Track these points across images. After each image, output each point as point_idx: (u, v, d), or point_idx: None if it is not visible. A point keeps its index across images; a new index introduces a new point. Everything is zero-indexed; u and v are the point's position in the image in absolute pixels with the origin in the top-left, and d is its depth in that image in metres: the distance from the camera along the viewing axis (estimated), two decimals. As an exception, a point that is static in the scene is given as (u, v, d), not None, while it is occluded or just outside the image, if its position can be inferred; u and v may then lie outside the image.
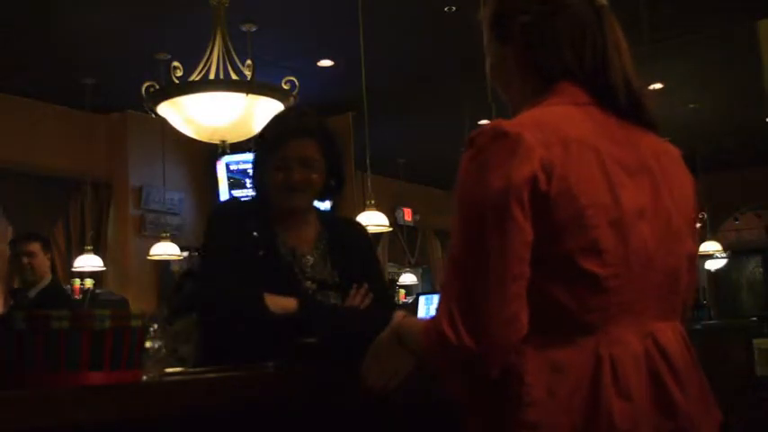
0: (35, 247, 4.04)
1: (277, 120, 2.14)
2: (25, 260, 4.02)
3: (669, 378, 1.16)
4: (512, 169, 1.10)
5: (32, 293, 4.00)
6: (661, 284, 1.20)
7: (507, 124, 1.15)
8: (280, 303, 1.84)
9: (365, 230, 2.28)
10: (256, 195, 2.11)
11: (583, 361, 1.12)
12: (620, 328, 1.14)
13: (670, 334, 1.21)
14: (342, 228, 2.14)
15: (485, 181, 1.12)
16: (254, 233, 1.97)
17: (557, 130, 1.15)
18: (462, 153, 1.18)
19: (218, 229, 2.02)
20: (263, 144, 2.09)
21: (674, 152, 1.31)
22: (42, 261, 4.03)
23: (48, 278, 4.08)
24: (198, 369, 1.72)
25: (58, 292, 4.20)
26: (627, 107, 1.23)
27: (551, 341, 1.13)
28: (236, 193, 8.05)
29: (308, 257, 2.01)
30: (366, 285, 1.96)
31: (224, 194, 8.04)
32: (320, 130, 2.02)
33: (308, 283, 1.97)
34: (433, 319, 1.15)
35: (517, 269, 1.10)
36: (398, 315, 1.43)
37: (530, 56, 1.27)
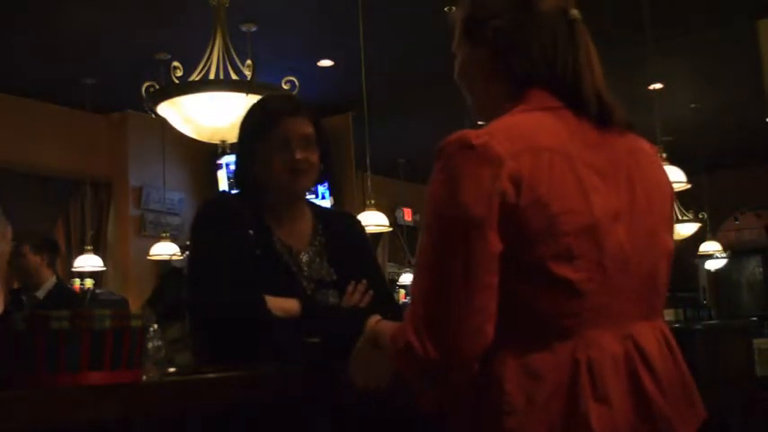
0: (23, 248, 4.10)
1: (261, 105, 2.07)
2: (14, 261, 4.12)
3: (648, 380, 1.16)
4: (479, 182, 1.11)
5: (41, 294, 4.02)
6: (639, 285, 1.21)
7: (474, 135, 1.15)
8: (281, 305, 1.77)
9: (360, 224, 2.22)
10: (244, 190, 2.01)
11: (560, 366, 1.12)
12: (597, 331, 1.14)
13: (650, 334, 1.21)
14: (337, 222, 2.08)
15: (453, 193, 1.12)
16: (250, 231, 1.88)
17: (527, 138, 1.15)
18: (433, 162, 1.18)
19: (209, 227, 1.89)
20: (252, 132, 2.00)
21: (650, 149, 1.31)
22: (31, 262, 4.04)
23: (52, 279, 4.09)
24: (198, 369, 1.71)
25: (65, 293, 4.23)
26: (597, 116, 1.24)
27: (529, 347, 1.13)
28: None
29: (304, 255, 1.94)
30: (365, 282, 1.90)
31: (224, 194, 8.05)
32: (308, 107, 1.99)
33: (306, 283, 1.90)
34: (400, 326, 1.16)
35: (483, 281, 1.11)
36: (372, 320, 1.43)
37: (500, 61, 1.27)
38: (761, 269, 13.67)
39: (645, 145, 1.31)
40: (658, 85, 6.83)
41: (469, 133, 1.16)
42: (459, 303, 1.10)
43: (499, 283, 1.12)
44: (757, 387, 4.73)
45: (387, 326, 1.33)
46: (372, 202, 5.81)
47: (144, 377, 1.25)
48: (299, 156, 1.91)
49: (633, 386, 1.15)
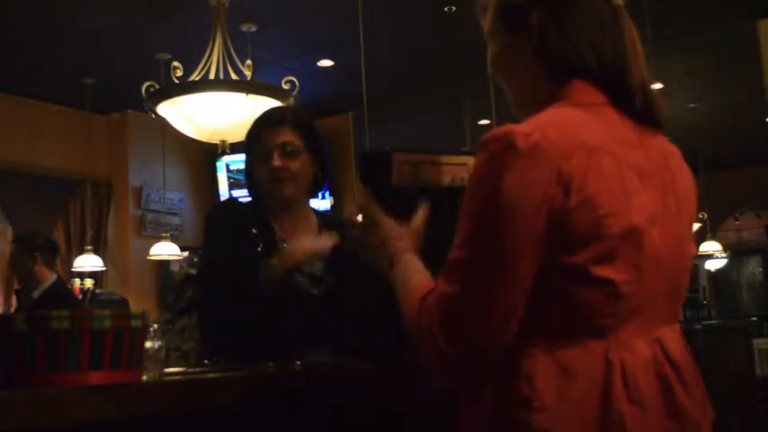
0: (17, 248, 4.13)
1: (256, 119, 2.18)
2: (10, 261, 4.21)
3: (676, 383, 1.15)
4: (525, 182, 1.06)
5: (36, 294, 4.02)
6: (668, 289, 1.19)
7: (522, 132, 1.08)
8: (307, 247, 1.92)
9: None
10: (251, 196, 2.17)
11: (593, 366, 1.10)
12: (629, 333, 1.13)
13: (673, 337, 1.20)
14: (340, 226, 2.12)
15: (496, 191, 1.07)
16: (254, 230, 2.00)
17: (576, 136, 1.11)
18: (475, 156, 1.13)
19: (217, 229, 2.04)
20: (245, 144, 2.13)
21: (677, 152, 1.28)
22: (25, 262, 4.05)
23: (51, 279, 4.08)
24: (198, 369, 1.72)
25: (60, 293, 4.22)
26: (642, 109, 1.20)
27: (562, 345, 1.11)
28: (236, 193, 8.05)
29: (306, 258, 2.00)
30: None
31: (224, 194, 8.04)
32: (296, 118, 2.06)
33: (302, 279, 1.98)
34: (426, 307, 1.13)
35: (521, 282, 1.08)
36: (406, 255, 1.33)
37: (544, 50, 1.20)
38: (761, 269, 13.67)
39: (673, 147, 1.27)
40: (658, 85, 6.83)
41: (517, 131, 1.09)
42: (487, 304, 1.08)
43: (536, 279, 1.10)
44: (757, 387, 4.74)
45: (413, 272, 1.27)
46: (372, 202, 5.81)
47: (144, 377, 1.25)
48: (276, 164, 2.00)
49: (664, 389, 1.14)
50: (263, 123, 2.08)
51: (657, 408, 1.12)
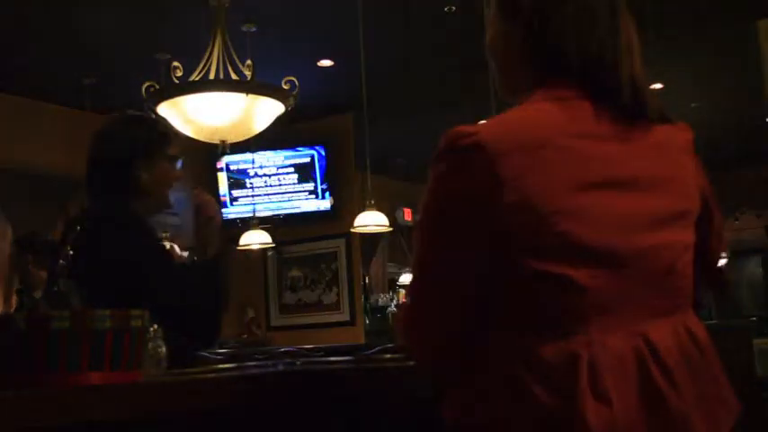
0: (12, 249, 4.14)
1: (161, 125, 2.47)
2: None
3: (660, 377, 1.12)
4: (460, 184, 1.11)
5: (38, 294, 4.03)
6: (656, 283, 1.16)
7: (466, 132, 1.13)
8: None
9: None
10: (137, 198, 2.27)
11: (559, 363, 1.09)
12: (599, 329, 1.11)
13: (667, 331, 1.16)
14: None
15: (436, 193, 1.15)
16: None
17: (525, 133, 1.12)
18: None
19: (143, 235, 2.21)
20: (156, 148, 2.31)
21: (680, 140, 1.26)
22: (18, 262, 4.07)
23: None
24: (198, 369, 1.72)
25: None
26: (630, 104, 1.18)
27: (529, 343, 1.11)
28: (236, 192, 8.05)
29: None
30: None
31: (224, 194, 8.05)
32: None
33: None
34: (397, 318, 1.24)
35: (456, 286, 1.14)
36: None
37: (531, 40, 1.22)
38: (761, 269, 13.66)
39: (676, 135, 1.25)
40: (658, 85, 6.83)
41: (460, 132, 1.13)
42: (432, 310, 1.16)
43: (498, 277, 1.12)
44: (757, 387, 4.74)
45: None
46: (372, 202, 5.81)
47: (144, 377, 1.25)
48: (178, 173, 2.41)
49: (643, 384, 1.10)
50: (171, 133, 2.35)
51: (632, 403, 1.09)
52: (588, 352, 1.09)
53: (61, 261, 1.72)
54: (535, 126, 1.14)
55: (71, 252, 1.75)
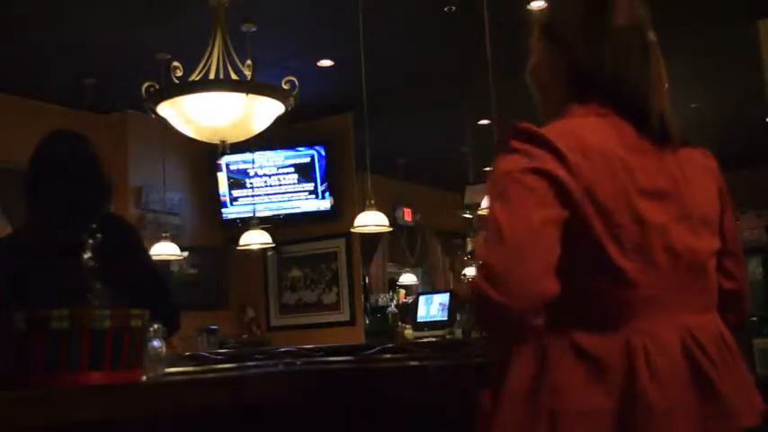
0: None
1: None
2: None
3: (708, 366, 1.25)
4: (542, 161, 1.22)
5: None
6: (692, 281, 1.30)
7: (534, 128, 1.26)
8: None
9: None
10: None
11: (615, 350, 1.21)
12: (649, 321, 1.24)
13: (706, 326, 1.30)
14: None
15: (517, 166, 1.22)
16: None
17: (581, 137, 1.26)
18: (496, 151, 1.31)
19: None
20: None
21: (701, 160, 1.41)
22: None
23: None
24: (198, 369, 1.72)
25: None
26: (656, 131, 1.33)
27: (584, 333, 1.23)
28: (236, 192, 8.05)
29: None
30: None
31: (224, 194, 8.05)
32: None
33: None
34: (476, 277, 1.24)
35: (545, 239, 1.19)
36: None
37: (573, 66, 1.36)
38: (761, 269, 13.67)
39: (696, 156, 1.40)
40: (658, 86, 6.83)
41: (528, 126, 1.26)
42: (514, 257, 1.18)
43: (559, 271, 1.19)
44: (757, 387, 4.74)
45: None
46: (372, 202, 5.81)
47: (144, 377, 1.25)
48: None
49: (691, 368, 1.23)
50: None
51: (685, 388, 1.22)
52: (641, 340, 1.22)
53: (93, 264, 1.81)
54: (588, 133, 1.28)
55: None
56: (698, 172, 1.38)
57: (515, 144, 1.25)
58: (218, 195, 8.06)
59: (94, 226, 2.03)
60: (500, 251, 1.19)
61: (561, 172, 1.21)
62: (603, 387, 1.19)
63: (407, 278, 11.05)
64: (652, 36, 1.39)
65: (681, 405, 1.20)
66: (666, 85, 1.39)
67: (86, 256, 1.84)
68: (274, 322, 8.40)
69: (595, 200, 1.22)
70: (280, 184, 7.92)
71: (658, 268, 1.25)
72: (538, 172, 1.21)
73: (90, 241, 1.98)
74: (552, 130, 1.26)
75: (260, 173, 7.96)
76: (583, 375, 1.20)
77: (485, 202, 5.47)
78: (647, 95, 1.34)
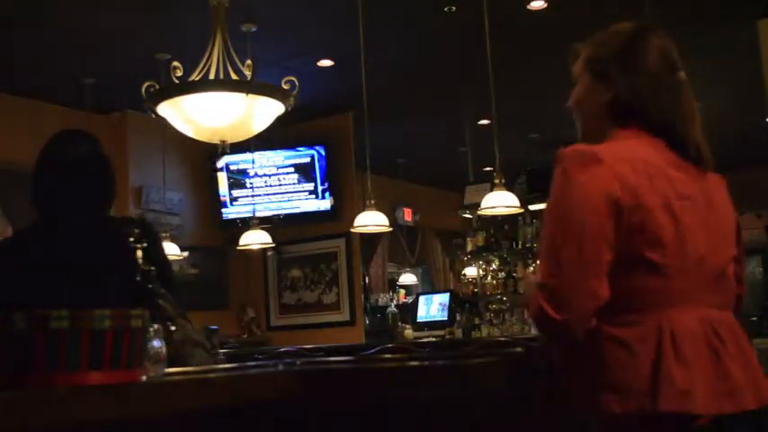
0: None
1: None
2: None
3: (724, 354, 1.45)
4: (592, 178, 1.42)
5: None
6: (713, 280, 1.51)
7: (587, 146, 1.48)
8: None
9: None
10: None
11: (648, 335, 1.42)
12: (678, 311, 1.44)
13: (724, 321, 1.51)
14: None
15: (571, 186, 1.43)
16: None
17: (626, 152, 1.48)
18: (553, 169, 1.49)
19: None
20: None
21: (720, 182, 1.64)
22: None
23: None
24: (198, 369, 1.72)
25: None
26: (694, 159, 1.56)
27: (622, 320, 1.43)
28: (236, 192, 8.05)
29: None
30: None
31: (224, 194, 8.05)
32: None
33: None
34: (534, 294, 1.45)
35: (595, 253, 1.40)
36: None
37: (616, 97, 1.56)
38: (761, 269, 13.67)
39: (717, 179, 1.64)
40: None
41: (583, 146, 1.49)
42: (575, 274, 1.40)
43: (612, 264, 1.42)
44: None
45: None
46: (372, 202, 5.81)
47: (144, 377, 1.25)
48: None
49: (712, 354, 1.44)
50: None
51: (705, 369, 1.42)
52: (669, 326, 1.42)
53: (147, 267, 2.02)
54: (633, 148, 1.50)
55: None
56: (722, 191, 1.63)
57: (569, 161, 1.44)
58: (218, 195, 8.06)
59: (137, 231, 2.06)
60: (558, 272, 1.40)
61: (612, 183, 1.41)
62: (633, 367, 1.40)
63: (407, 278, 11.06)
64: (683, 75, 1.59)
65: (700, 384, 1.39)
66: (698, 117, 1.61)
67: (140, 260, 1.92)
68: (274, 322, 8.40)
69: (641, 203, 1.42)
70: (280, 184, 7.92)
71: (688, 266, 1.46)
72: (591, 185, 1.40)
73: (138, 245, 2.02)
74: (601, 147, 1.48)
75: (260, 173, 7.96)
76: (616, 356, 1.42)
77: (484, 202, 5.47)
78: (682, 126, 1.55)
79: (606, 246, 1.41)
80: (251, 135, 3.84)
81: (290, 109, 3.71)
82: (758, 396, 1.48)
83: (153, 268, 2.06)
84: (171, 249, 6.71)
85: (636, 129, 1.54)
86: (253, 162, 7.79)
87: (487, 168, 8.25)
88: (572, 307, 1.39)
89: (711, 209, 1.54)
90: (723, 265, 1.54)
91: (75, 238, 2.15)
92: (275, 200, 7.92)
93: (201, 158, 7.81)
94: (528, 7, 5.50)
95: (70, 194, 2.20)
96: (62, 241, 2.14)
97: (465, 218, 8.20)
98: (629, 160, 1.45)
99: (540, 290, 1.42)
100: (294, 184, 7.89)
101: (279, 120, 3.80)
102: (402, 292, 10.46)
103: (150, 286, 2.03)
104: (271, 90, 3.61)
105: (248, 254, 7.72)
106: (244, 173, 8.01)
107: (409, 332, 7.68)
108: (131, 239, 2.08)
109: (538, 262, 1.59)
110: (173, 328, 1.99)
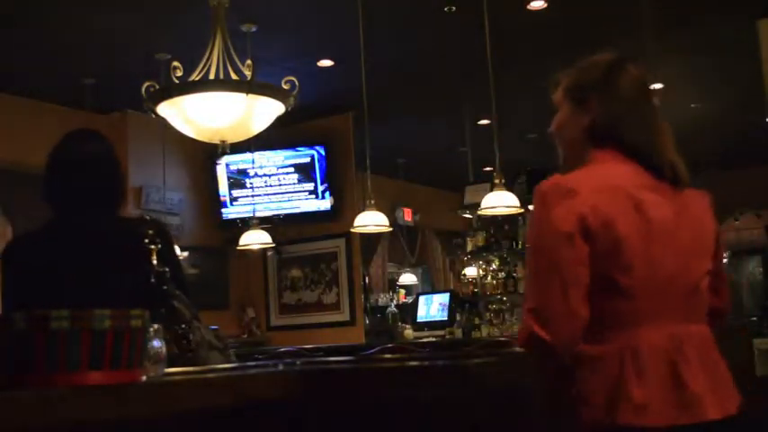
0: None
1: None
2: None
3: (684, 368, 1.52)
4: (566, 208, 1.52)
5: None
6: (684, 297, 1.59)
7: (564, 179, 1.58)
8: None
9: None
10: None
11: (613, 352, 1.52)
12: (645, 328, 1.53)
13: (692, 335, 1.58)
14: None
15: (549, 219, 1.53)
16: None
17: (600, 180, 1.58)
18: (533, 202, 1.60)
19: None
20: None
21: (699, 198, 1.70)
22: None
23: None
24: (198, 369, 1.72)
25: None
26: (670, 178, 1.62)
27: (594, 338, 1.53)
28: (236, 192, 8.05)
29: None
30: None
31: (224, 194, 8.05)
32: None
33: None
34: (524, 319, 1.55)
35: (573, 277, 1.50)
36: None
37: (597, 126, 1.65)
38: (761, 269, 13.65)
39: (696, 195, 1.70)
40: (658, 85, 6.83)
41: (561, 178, 1.59)
42: (558, 297, 1.50)
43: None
44: (757, 387, 4.74)
45: None
46: (372, 202, 5.81)
47: (144, 377, 1.25)
48: None
49: (672, 370, 1.51)
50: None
51: (663, 383, 1.50)
52: (635, 344, 1.52)
53: (161, 268, 2.04)
54: (606, 175, 1.60)
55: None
56: (699, 208, 1.69)
57: (546, 196, 1.55)
58: (218, 195, 8.06)
59: (151, 232, 2.06)
60: (544, 298, 1.52)
61: (584, 214, 1.50)
62: (598, 381, 1.50)
63: (407, 278, 11.06)
64: (656, 101, 1.70)
65: (656, 398, 1.49)
66: (671, 139, 1.68)
67: (154, 261, 1.92)
68: (274, 322, 8.40)
69: (612, 231, 1.51)
70: (280, 184, 7.92)
71: (657, 286, 1.54)
72: (566, 217, 1.51)
73: (152, 247, 2.02)
74: (578, 177, 1.59)
75: (260, 173, 7.96)
76: (584, 371, 1.52)
77: (484, 202, 5.47)
78: (657, 150, 1.63)
79: (584, 270, 1.51)
80: (251, 135, 3.84)
81: (290, 109, 3.71)
82: (721, 407, 1.55)
83: (167, 269, 2.05)
84: (171, 249, 6.71)
85: (613, 151, 1.63)
86: (253, 162, 7.79)
87: (487, 168, 8.25)
88: (560, 328, 1.50)
89: (685, 227, 1.61)
90: (695, 281, 1.61)
91: (91, 237, 2.14)
92: (275, 200, 7.92)
93: (201, 158, 7.81)
94: (528, 7, 5.50)
95: (85, 194, 2.19)
96: (78, 241, 2.13)
97: (465, 218, 8.20)
98: (604, 189, 1.55)
99: (529, 314, 1.52)
100: (294, 184, 7.89)
101: (279, 120, 3.80)
102: (402, 292, 10.46)
103: (165, 287, 2.03)
104: (271, 90, 3.61)
105: (248, 254, 7.72)
106: (244, 173, 8.02)
107: (409, 332, 7.68)
108: (146, 240, 2.08)
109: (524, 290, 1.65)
110: (188, 331, 1.99)
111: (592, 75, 1.69)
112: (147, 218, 2.33)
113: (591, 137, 1.66)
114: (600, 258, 1.52)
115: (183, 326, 1.98)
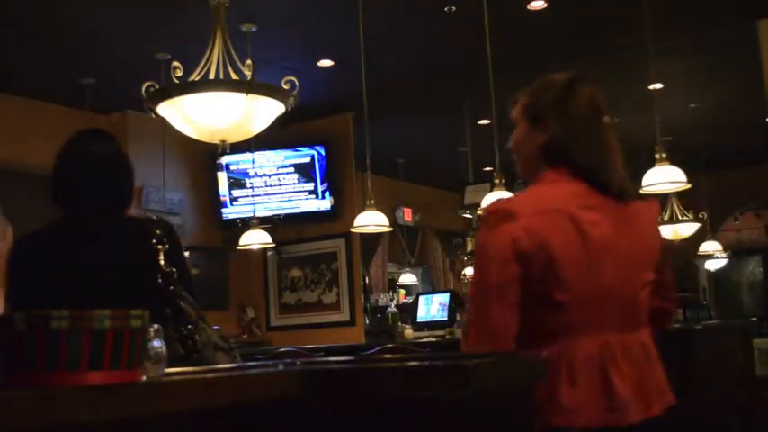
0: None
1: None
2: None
3: (614, 374, 1.65)
4: (502, 232, 1.64)
5: None
6: (622, 307, 1.70)
7: (505, 203, 1.72)
8: None
9: None
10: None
11: (552, 359, 1.62)
12: (578, 337, 1.66)
13: (627, 343, 1.70)
14: None
15: (486, 241, 1.68)
16: None
17: (539, 203, 1.69)
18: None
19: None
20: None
21: (646, 210, 1.79)
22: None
23: None
24: (198, 369, 1.72)
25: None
26: (616, 194, 1.71)
27: (534, 347, 1.63)
28: (236, 192, 8.05)
29: None
30: None
31: (224, 194, 8.05)
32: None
33: None
34: (469, 333, 1.70)
35: (508, 299, 1.64)
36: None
37: (548, 141, 1.75)
38: (761, 269, 13.66)
39: (643, 208, 1.79)
40: (658, 85, 6.83)
41: (501, 203, 1.72)
42: (490, 314, 1.65)
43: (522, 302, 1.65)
44: (757, 387, 4.74)
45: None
46: (372, 202, 5.81)
47: (144, 377, 1.25)
48: None
49: (602, 377, 1.64)
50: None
51: (593, 389, 1.63)
52: (570, 352, 1.64)
53: (169, 269, 2.05)
54: (548, 197, 1.71)
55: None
56: (644, 220, 1.78)
57: (487, 220, 1.68)
58: (219, 195, 8.06)
59: (159, 232, 2.05)
60: (480, 312, 1.67)
61: (519, 237, 1.62)
62: (539, 386, 1.58)
63: (407, 278, 11.06)
64: (608, 120, 1.77)
65: (584, 402, 1.62)
66: (620, 156, 1.76)
67: (162, 262, 1.92)
68: (274, 322, 8.40)
69: (546, 251, 1.62)
70: (280, 184, 7.92)
71: (593, 299, 1.66)
72: (501, 241, 1.63)
73: (159, 247, 2.02)
74: (518, 200, 1.75)
75: (260, 173, 7.96)
76: None
77: (484, 203, 5.48)
78: (605, 168, 1.71)
79: (513, 289, 1.64)
80: (251, 135, 3.84)
81: (290, 109, 3.71)
82: (645, 409, 1.68)
83: (174, 270, 2.05)
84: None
85: (563, 170, 1.72)
86: (253, 162, 7.80)
87: (487, 168, 8.25)
88: (495, 339, 1.65)
89: (625, 241, 1.71)
90: (633, 293, 1.72)
91: (99, 237, 2.13)
92: (275, 200, 7.92)
93: (201, 158, 7.81)
94: (528, 7, 5.50)
95: (94, 193, 2.18)
96: (85, 241, 2.12)
97: (465, 218, 8.20)
98: (543, 211, 1.66)
99: (470, 326, 1.68)
100: (294, 184, 7.89)
101: (279, 120, 3.80)
102: (402, 292, 10.47)
103: (172, 288, 2.02)
104: (271, 90, 3.61)
105: (248, 254, 7.73)
106: (244, 173, 8.02)
107: (409, 332, 7.68)
108: (154, 240, 2.07)
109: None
110: (195, 332, 1.99)
111: (547, 95, 1.78)
112: (155, 218, 2.31)
113: (545, 155, 1.75)
114: (537, 277, 1.63)
115: (190, 326, 1.98)
